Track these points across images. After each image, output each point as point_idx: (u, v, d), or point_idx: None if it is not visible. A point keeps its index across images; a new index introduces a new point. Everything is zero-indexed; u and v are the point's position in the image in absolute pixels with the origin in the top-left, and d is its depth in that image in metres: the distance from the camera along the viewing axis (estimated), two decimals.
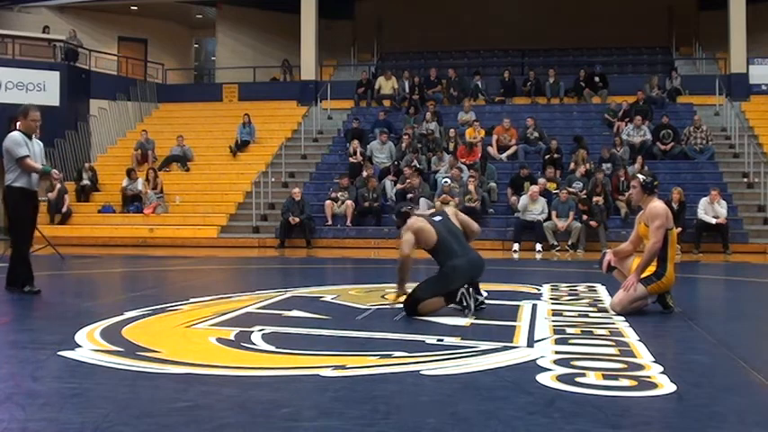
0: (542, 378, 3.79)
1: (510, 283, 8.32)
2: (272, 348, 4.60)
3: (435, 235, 5.90)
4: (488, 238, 15.32)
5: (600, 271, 6.51)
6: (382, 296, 6.44)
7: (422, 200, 15.42)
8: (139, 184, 17.76)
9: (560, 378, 3.78)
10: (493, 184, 16.39)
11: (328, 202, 15.94)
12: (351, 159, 17.82)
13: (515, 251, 14.38)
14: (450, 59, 24.01)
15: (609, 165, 16.45)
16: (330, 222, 15.95)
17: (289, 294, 7.24)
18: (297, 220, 15.44)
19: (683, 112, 19.50)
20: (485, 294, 6.10)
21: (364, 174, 16.53)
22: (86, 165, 19.18)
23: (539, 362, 4.16)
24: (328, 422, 3.11)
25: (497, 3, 24.22)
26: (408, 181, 16.01)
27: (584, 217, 14.53)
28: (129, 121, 22.58)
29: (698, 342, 4.99)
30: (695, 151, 17.51)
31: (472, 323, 5.49)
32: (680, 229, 6.33)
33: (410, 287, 5.95)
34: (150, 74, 24.66)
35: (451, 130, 18.04)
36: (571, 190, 15.15)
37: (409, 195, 15.68)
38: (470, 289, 5.83)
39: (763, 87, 20.55)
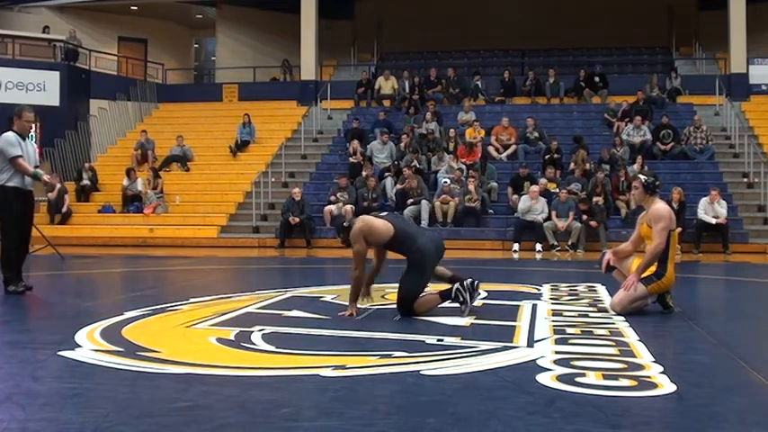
0: (542, 378, 3.79)
1: (510, 283, 8.31)
2: (272, 348, 4.60)
3: (390, 225, 5.83)
4: (488, 238, 15.37)
5: (600, 271, 6.51)
6: (382, 296, 6.44)
7: (423, 202, 15.44)
8: (139, 184, 17.76)
9: (560, 378, 3.78)
10: (493, 184, 16.39)
11: (327, 208, 15.79)
12: (351, 159, 17.82)
13: (515, 251, 14.38)
14: (450, 59, 24.02)
15: (609, 165, 16.45)
16: (329, 226, 15.93)
17: (289, 294, 7.24)
18: (297, 220, 15.44)
19: (683, 112, 19.50)
20: (483, 294, 6.10)
21: (364, 174, 16.53)
22: (86, 165, 19.18)
23: (539, 362, 4.16)
24: (328, 422, 3.11)
25: (497, 3, 24.22)
26: (407, 181, 16.01)
27: (585, 217, 14.53)
28: (129, 121, 22.58)
29: (698, 342, 4.99)
30: (695, 151, 17.51)
31: (472, 323, 5.49)
32: (680, 229, 6.32)
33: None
34: (150, 74, 24.67)
35: (451, 130, 18.04)
36: (571, 189, 15.15)
37: (410, 201, 15.67)
38: (465, 283, 5.83)
39: (763, 87, 20.55)
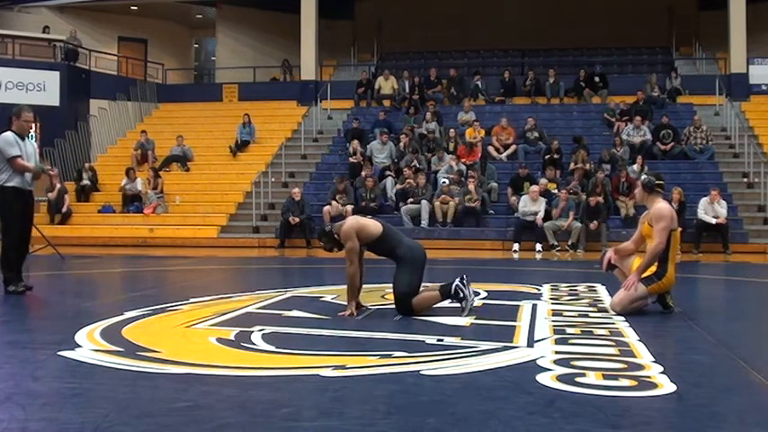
0: (542, 378, 3.79)
1: (510, 283, 8.31)
2: (272, 348, 4.60)
3: (378, 224, 5.89)
4: (488, 238, 15.36)
5: (600, 271, 6.51)
6: (382, 296, 6.44)
7: (423, 202, 15.43)
8: (139, 184, 17.76)
9: (560, 378, 3.78)
10: (493, 184, 16.39)
11: (325, 208, 15.75)
12: (351, 159, 17.82)
13: (515, 251, 14.38)
14: (450, 59, 24.03)
15: (609, 165, 16.45)
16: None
17: (289, 294, 7.25)
18: (297, 220, 15.44)
19: (683, 112, 19.50)
20: (483, 294, 6.10)
21: (363, 174, 16.53)
22: (86, 165, 19.18)
23: (539, 362, 4.16)
24: (328, 422, 3.11)
25: (497, 3, 24.21)
26: (408, 181, 16.01)
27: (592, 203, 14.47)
28: (129, 121, 22.58)
29: (698, 342, 4.99)
30: (695, 151, 17.51)
31: (472, 323, 5.49)
32: (680, 229, 6.31)
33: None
34: (150, 74, 24.67)
35: (451, 130, 18.04)
36: (571, 189, 15.14)
37: (410, 200, 15.66)
38: (464, 280, 5.83)
39: (763, 87, 20.55)
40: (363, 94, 21.39)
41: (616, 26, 23.49)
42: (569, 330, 5.21)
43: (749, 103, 20.09)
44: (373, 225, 5.88)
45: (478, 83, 21.21)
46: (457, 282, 5.83)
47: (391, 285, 5.94)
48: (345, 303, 5.95)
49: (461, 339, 4.83)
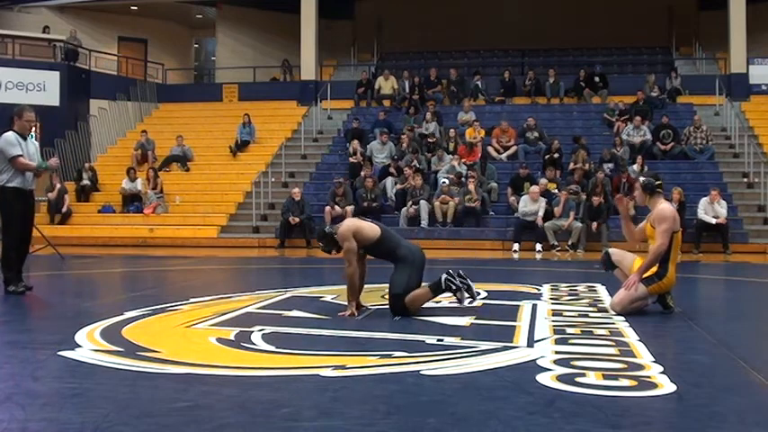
0: (542, 378, 3.79)
1: (510, 283, 8.32)
2: (272, 348, 4.60)
3: (376, 227, 5.88)
4: (488, 238, 15.36)
5: (600, 270, 6.51)
6: (382, 296, 6.43)
7: (422, 202, 15.45)
8: (139, 184, 17.76)
9: (560, 378, 3.78)
10: (493, 184, 16.39)
11: (327, 208, 15.80)
12: (351, 159, 17.82)
13: (515, 251, 14.38)
14: (450, 59, 24.02)
15: (611, 165, 16.46)
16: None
17: (289, 294, 7.24)
18: (297, 220, 15.43)
19: (683, 112, 19.50)
20: (483, 294, 6.09)
21: (363, 174, 16.52)
22: (86, 165, 19.17)
23: (539, 362, 4.16)
24: (328, 422, 3.11)
25: (497, 3, 24.21)
26: (408, 181, 16.01)
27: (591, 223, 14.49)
28: (129, 121, 22.58)
29: (698, 342, 4.99)
30: (695, 151, 17.51)
31: (472, 323, 5.49)
32: (680, 229, 6.32)
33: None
34: (150, 74, 24.67)
35: (451, 130, 18.04)
36: (571, 190, 15.13)
37: (410, 202, 15.66)
38: (451, 271, 5.82)
39: (763, 87, 20.55)
40: (363, 94, 21.39)
41: (616, 26, 23.49)
42: (569, 330, 5.21)
43: (749, 103, 20.09)
44: (370, 228, 5.87)
45: (478, 83, 21.21)
46: (444, 276, 5.83)
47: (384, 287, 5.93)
48: (345, 303, 5.95)
49: (461, 339, 4.83)
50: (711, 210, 14.43)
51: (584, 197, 15.05)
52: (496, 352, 4.44)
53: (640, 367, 4.06)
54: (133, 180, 17.77)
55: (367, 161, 17.33)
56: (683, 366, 4.25)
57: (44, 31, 22.90)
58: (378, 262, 6.12)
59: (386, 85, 21.26)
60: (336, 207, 15.77)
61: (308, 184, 17.80)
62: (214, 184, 18.57)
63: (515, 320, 5.63)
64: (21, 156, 7.06)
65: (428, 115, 18.88)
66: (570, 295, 7.26)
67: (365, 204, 15.85)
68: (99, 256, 13.40)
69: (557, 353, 4.42)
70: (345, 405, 3.37)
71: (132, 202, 17.55)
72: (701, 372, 4.08)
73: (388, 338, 4.91)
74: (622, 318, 5.73)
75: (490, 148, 17.90)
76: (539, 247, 14.39)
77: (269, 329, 5.17)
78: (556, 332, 5.12)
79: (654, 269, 5.99)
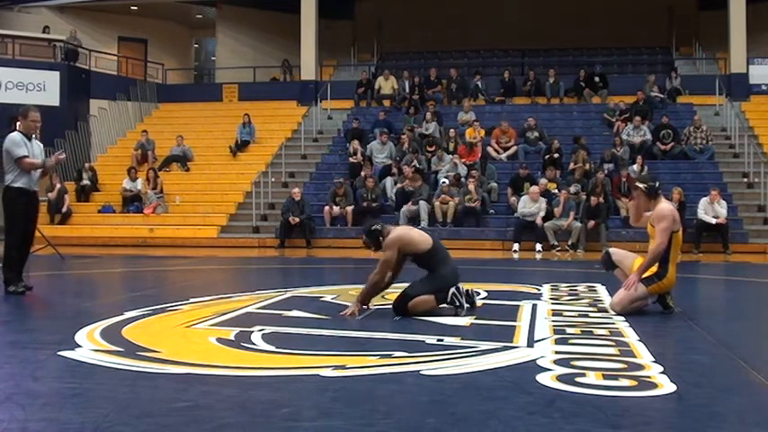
0: (542, 378, 3.79)
1: (510, 283, 8.32)
2: (272, 348, 4.60)
3: (429, 239, 5.85)
4: (488, 238, 15.37)
5: (600, 270, 6.51)
6: (382, 296, 6.43)
7: (421, 202, 15.44)
8: (139, 184, 17.76)
9: (560, 378, 3.78)
10: (493, 184, 16.39)
11: (327, 208, 15.82)
12: (351, 159, 17.82)
13: (515, 251, 14.38)
14: (450, 59, 24.02)
15: (611, 165, 16.46)
16: (329, 227, 15.95)
17: (289, 294, 7.24)
18: (297, 220, 15.43)
19: (682, 112, 19.50)
20: (483, 294, 6.09)
21: (363, 174, 16.52)
22: (86, 165, 19.18)
23: (539, 362, 4.16)
24: (328, 422, 3.11)
25: (497, 3, 24.22)
26: (408, 181, 16.00)
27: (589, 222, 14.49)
28: (129, 121, 22.58)
29: (698, 342, 4.99)
30: (695, 151, 17.51)
31: (472, 323, 5.49)
32: (680, 228, 6.30)
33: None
34: (150, 74, 24.67)
35: (451, 130, 18.04)
36: (571, 190, 15.14)
37: (410, 201, 15.66)
38: (461, 288, 5.82)
39: (763, 87, 20.55)
40: (363, 94, 21.39)
41: (616, 26, 23.49)
42: (569, 330, 5.21)
43: (749, 103, 20.09)
44: (422, 239, 5.81)
45: (478, 83, 21.20)
46: (452, 290, 5.82)
47: (393, 286, 5.92)
48: (346, 303, 5.94)
49: (461, 339, 4.83)
50: (711, 210, 14.43)
51: (583, 197, 15.05)
52: (496, 352, 4.44)
53: (640, 367, 4.06)
54: (133, 180, 17.77)
55: (367, 161, 17.33)
56: (683, 366, 4.25)
57: (44, 31, 22.90)
58: (375, 261, 6.11)
59: (386, 85, 21.26)
60: (336, 207, 15.78)
61: (308, 184, 17.81)
62: (214, 184, 18.57)
63: (515, 320, 5.63)
64: (27, 156, 7.07)
65: (428, 115, 18.87)
66: (570, 295, 7.26)
67: (365, 204, 15.85)
68: (99, 256, 13.40)
69: (557, 353, 4.42)
70: (345, 405, 3.37)
71: (132, 202, 17.55)
72: (701, 372, 4.08)
73: (388, 338, 4.91)
74: (622, 318, 5.73)
75: (490, 149, 17.90)
76: (539, 247, 14.39)
77: (269, 329, 5.17)
78: (556, 332, 5.12)
79: (654, 269, 5.99)
